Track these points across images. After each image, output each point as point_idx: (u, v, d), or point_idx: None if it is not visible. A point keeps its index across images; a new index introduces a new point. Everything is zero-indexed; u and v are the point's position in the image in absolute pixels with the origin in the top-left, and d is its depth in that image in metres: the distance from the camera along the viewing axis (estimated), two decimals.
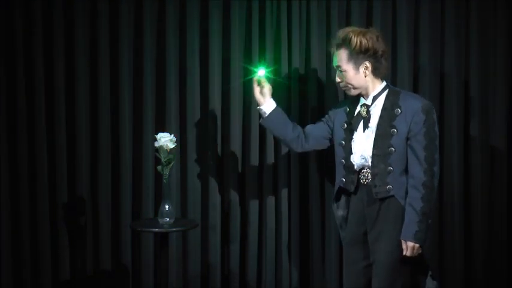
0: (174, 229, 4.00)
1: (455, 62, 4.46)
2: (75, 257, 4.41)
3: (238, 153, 4.45)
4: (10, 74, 4.28)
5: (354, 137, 3.74)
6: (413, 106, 3.60)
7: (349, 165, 3.74)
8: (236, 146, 4.44)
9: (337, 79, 3.73)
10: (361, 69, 3.66)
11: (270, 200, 4.46)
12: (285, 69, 4.41)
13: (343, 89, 3.77)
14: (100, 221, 4.39)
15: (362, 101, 3.75)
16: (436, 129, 3.63)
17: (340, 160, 3.79)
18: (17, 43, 4.26)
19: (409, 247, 3.58)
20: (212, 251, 4.46)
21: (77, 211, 4.39)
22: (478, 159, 4.47)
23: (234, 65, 4.40)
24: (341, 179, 3.79)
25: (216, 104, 4.42)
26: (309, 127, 4.01)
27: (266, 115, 3.94)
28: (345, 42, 3.64)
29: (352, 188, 3.76)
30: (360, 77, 3.67)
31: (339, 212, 3.87)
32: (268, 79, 3.99)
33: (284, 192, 4.45)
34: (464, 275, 4.52)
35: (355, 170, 3.73)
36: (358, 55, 3.63)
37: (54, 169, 4.34)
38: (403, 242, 3.59)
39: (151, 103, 4.39)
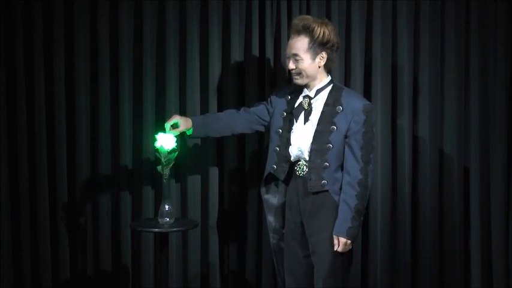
0: (174, 229, 3.99)
1: (455, 62, 4.46)
2: (75, 257, 4.41)
3: (238, 153, 4.44)
4: (10, 74, 4.28)
5: (293, 128, 3.75)
6: (355, 105, 3.65)
7: (283, 155, 3.76)
8: (236, 145, 4.44)
9: (291, 66, 3.70)
10: (317, 59, 3.67)
11: None
12: (284, 69, 4.40)
13: (294, 76, 3.72)
14: (100, 221, 4.39)
15: (305, 92, 3.76)
16: (375, 130, 3.69)
17: (274, 148, 3.79)
18: (17, 43, 4.26)
19: (341, 242, 3.63)
20: (212, 251, 4.46)
21: (76, 211, 4.39)
22: (477, 159, 4.47)
23: (234, 65, 4.40)
24: (272, 165, 3.80)
25: (215, 104, 4.41)
26: (253, 109, 3.96)
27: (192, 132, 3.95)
28: (307, 31, 3.64)
29: (282, 177, 3.80)
30: (315, 67, 3.68)
31: (270, 198, 3.88)
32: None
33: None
34: (464, 275, 4.52)
35: (290, 161, 3.76)
36: (318, 45, 3.64)
37: (54, 169, 4.34)
38: (335, 237, 3.64)
39: (152, 103, 4.39)
